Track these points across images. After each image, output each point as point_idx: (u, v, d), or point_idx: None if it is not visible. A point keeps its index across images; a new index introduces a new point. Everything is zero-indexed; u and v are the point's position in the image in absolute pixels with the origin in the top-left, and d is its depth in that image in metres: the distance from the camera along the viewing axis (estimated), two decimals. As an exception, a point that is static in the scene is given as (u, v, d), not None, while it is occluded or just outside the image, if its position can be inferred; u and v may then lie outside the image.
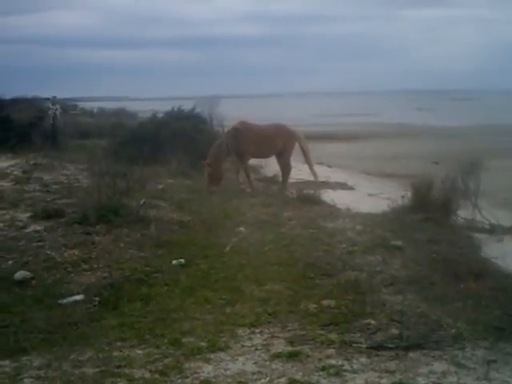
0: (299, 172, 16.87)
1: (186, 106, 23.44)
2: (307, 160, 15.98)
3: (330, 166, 24.99)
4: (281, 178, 15.91)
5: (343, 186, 18.49)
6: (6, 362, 5.78)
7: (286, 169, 15.67)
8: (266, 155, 16.25)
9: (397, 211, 11.96)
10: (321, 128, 45.90)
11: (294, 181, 16.23)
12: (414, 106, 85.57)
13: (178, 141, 19.01)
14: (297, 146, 15.91)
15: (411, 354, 5.72)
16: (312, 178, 15.99)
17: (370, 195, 16.99)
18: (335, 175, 20.59)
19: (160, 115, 23.89)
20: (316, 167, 19.04)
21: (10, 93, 27.72)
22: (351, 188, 18.56)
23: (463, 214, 11.98)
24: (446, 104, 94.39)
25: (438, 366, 5.47)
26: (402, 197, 12.32)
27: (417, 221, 11.16)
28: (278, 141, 15.28)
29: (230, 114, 25.12)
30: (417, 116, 64.55)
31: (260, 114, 45.36)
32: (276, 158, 15.96)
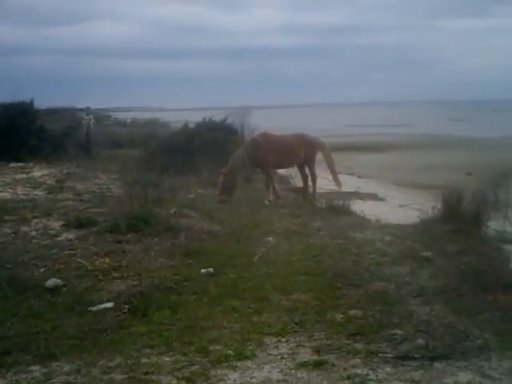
0: (330, 182, 16.85)
1: (220, 116, 23.62)
2: (331, 169, 16.03)
3: (360, 177, 24.97)
4: (306, 188, 15.97)
5: (374, 197, 18.41)
6: (37, 368, 5.88)
7: (312, 178, 15.75)
8: (288, 165, 16.35)
9: (427, 222, 11.91)
10: (353, 138, 45.85)
11: (323, 191, 16.24)
12: (449, 117, 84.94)
13: (209, 151, 19.18)
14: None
15: (437, 365, 5.70)
16: (337, 188, 16.00)
17: (400, 206, 16.90)
18: (366, 186, 20.54)
19: (192, 125, 24.12)
20: (347, 177, 19.03)
21: (45, 103, 28.16)
22: (382, 199, 18.47)
23: (494, 225, 11.87)
24: (481, 115, 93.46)
25: (464, 377, 5.45)
26: (433, 208, 12.23)
27: (447, 232, 11.09)
28: (300, 150, 15.36)
29: (263, 125, 25.19)
30: (451, 127, 64.01)
31: (292, 125, 45.44)
32: (298, 168, 16.02)
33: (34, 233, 10.88)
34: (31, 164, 20.01)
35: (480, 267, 8.80)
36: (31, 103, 23.82)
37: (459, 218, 11.74)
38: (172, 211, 12.13)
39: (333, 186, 16.38)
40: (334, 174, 16.05)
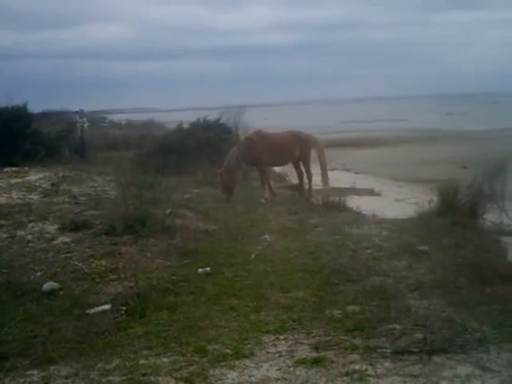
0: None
1: (214, 115, 23.67)
2: (322, 167, 15.98)
3: (357, 173, 24.98)
4: (302, 185, 15.95)
5: (370, 192, 18.45)
6: (35, 372, 5.86)
7: (308, 175, 15.74)
8: (283, 163, 16.39)
9: (423, 216, 11.90)
10: (348, 134, 45.90)
11: (319, 188, 16.22)
12: (444, 111, 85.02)
13: (203, 151, 19.21)
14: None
15: (435, 358, 5.68)
16: (324, 186, 15.94)
17: (397, 201, 16.94)
18: (362, 181, 20.57)
19: (186, 126, 24.15)
20: (343, 173, 19.02)
21: (40, 106, 28.19)
22: (378, 194, 18.52)
23: (491, 217, 11.86)
24: (477, 108, 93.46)
25: (463, 370, 5.44)
26: (429, 202, 12.23)
27: (443, 225, 11.07)
28: (294, 148, 15.36)
29: (257, 123, 25.22)
30: (447, 120, 64.09)
31: (287, 122, 45.47)
32: (293, 166, 16.01)
33: (29, 237, 10.84)
34: (26, 168, 19.95)
35: (477, 260, 8.80)
36: (25, 107, 23.78)
37: (455, 211, 11.73)
38: (168, 212, 12.11)
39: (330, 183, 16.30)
40: (324, 172, 16.00)
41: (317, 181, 16.02)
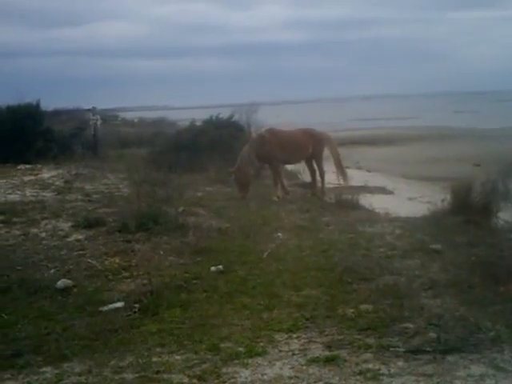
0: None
1: (227, 113, 23.69)
2: (336, 163, 15.92)
3: (369, 171, 24.95)
4: (315, 183, 15.92)
5: (382, 191, 18.43)
6: (48, 369, 5.88)
7: (320, 173, 15.71)
8: (295, 160, 16.35)
9: (436, 215, 11.84)
10: (360, 132, 45.82)
11: (332, 186, 16.21)
12: (454, 109, 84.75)
13: (215, 148, 19.22)
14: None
15: (449, 358, 5.66)
16: (344, 183, 15.90)
17: (409, 199, 16.91)
18: (374, 179, 20.53)
19: (198, 123, 24.19)
20: (355, 172, 18.98)
21: (53, 104, 28.26)
22: (390, 192, 18.49)
23: (504, 215, 11.79)
24: (487, 106, 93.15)
25: (476, 369, 5.42)
26: (442, 200, 12.17)
27: (457, 224, 11.02)
28: (307, 145, 15.33)
29: (269, 121, 25.19)
30: (457, 118, 63.90)
31: (299, 120, 45.44)
32: (306, 163, 15.97)
33: (43, 234, 10.87)
34: (39, 165, 20.02)
35: (490, 258, 8.72)
36: (37, 105, 23.84)
37: (469, 209, 11.66)
38: (180, 209, 12.11)
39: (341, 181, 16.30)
40: (341, 169, 15.96)
41: (329, 179, 16.00)
